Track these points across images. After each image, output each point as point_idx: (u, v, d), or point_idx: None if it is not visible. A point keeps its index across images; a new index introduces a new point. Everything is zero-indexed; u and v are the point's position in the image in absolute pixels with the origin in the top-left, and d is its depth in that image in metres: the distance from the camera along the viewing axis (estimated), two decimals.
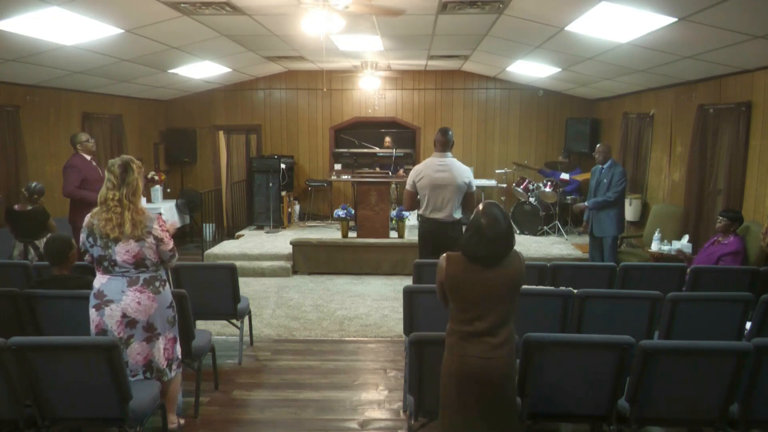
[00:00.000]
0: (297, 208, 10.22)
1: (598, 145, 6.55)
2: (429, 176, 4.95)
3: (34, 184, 5.67)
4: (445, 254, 2.64)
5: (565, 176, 9.29)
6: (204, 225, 9.01)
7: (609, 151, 6.46)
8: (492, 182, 9.84)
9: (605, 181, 6.27)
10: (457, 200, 4.96)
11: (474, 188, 5.04)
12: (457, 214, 5.00)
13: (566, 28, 5.42)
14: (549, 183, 8.98)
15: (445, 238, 4.91)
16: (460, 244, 2.60)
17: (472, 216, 2.61)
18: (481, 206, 2.60)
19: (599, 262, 6.23)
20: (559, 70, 7.79)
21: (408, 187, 5.10)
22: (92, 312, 3.11)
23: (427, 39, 7.04)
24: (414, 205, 5.17)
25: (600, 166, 6.44)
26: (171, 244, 3.21)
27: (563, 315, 3.71)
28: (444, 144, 5.01)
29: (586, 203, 6.32)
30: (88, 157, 6.08)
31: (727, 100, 5.96)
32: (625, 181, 6.41)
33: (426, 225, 5.07)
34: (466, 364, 2.56)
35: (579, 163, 9.87)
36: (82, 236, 3.13)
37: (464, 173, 4.96)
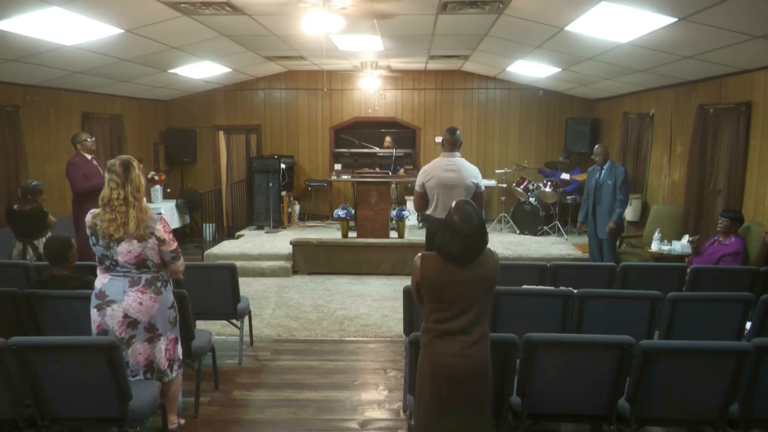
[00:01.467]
0: (297, 208, 10.23)
1: (596, 147, 6.55)
2: (438, 177, 4.87)
3: (27, 183, 5.67)
4: (419, 254, 2.65)
5: (565, 176, 9.29)
6: (204, 225, 9.01)
7: (607, 151, 6.49)
8: (492, 182, 9.84)
9: (609, 182, 6.25)
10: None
11: (483, 188, 4.99)
12: None
13: (566, 28, 5.42)
14: (549, 183, 8.99)
15: None
16: (435, 243, 2.60)
17: (445, 215, 2.61)
18: (453, 204, 2.60)
19: (599, 262, 6.23)
20: (559, 70, 7.79)
21: (417, 188, 5.01)
22: (93, 312, 3.11)
23: (427, 39, 7.04)
24: (424, 205, 5.08)
25: (598, 167, 6.43)
26: (174, 245, 3.18)
27: (563, 315, 3.71)
28: (452, 143, 4.95)
29: (612, 221, 6.27)
30: (89, 157, 6.09)
31: (727, 100, 5.96)
32: (629, 180, 6.46)
33: (435, 225, 4.98)
34: (441, 363, 2.57)
35: (579, 163, 9.87)
36: (87, 232, 3.12)
37: (472, 173, 4.92)
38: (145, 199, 3.19)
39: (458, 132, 5.01)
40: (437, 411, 2.60)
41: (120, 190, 3.03)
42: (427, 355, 2.62)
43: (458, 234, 2.50)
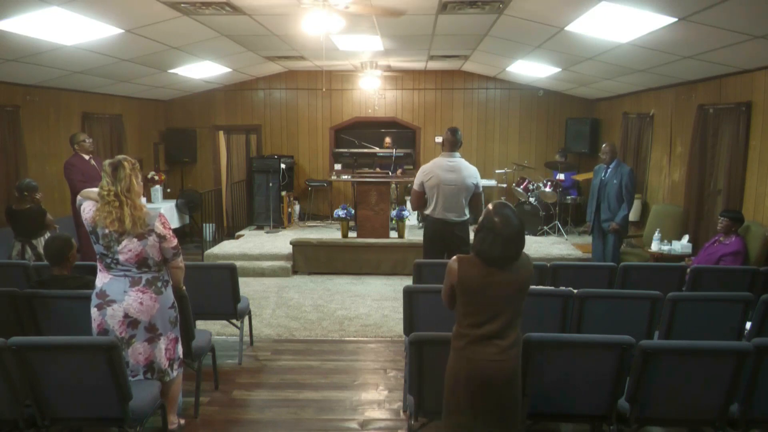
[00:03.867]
0: (297, 208, 10.23)
1: (603, 145, 6.49)
2: (438, 176, 4.89)
3: (21, 181, 5.67)
4: (456, 256, 2.60)
5: (560, 176, 9.27)
6: (204, 225, 9.01)
7: (615, 150, 6.43)
8: (492, 182, 9.85)
9: (614, 181, 6.22)
10: (465, 200, 4.93)
11: (481, 189, 5.03)
12: (465, 215, 4.99)
13: (566, 28, 5.42)
14: (549, 183, 8.99)
15: (453, 237, 4.90)
16: (473, 246, 2.56)
17: (482, 217, 2.56)
18: (491, 206, 2.56)
19: (600, 262, 6.22)
20: (559, 70, 7.79)
21: (416, 187, 5.04)
22: (94, 311, 3.11)
23: (427, 39, 7.04)
24: (421, 204, 5.11)
25: (605, 165, 6.40)
26: (174, 241, 3.19)
27: (563, 315, 3.71)
28: (453, 143, 4.96)
29: (616, 221, 6.23)
30: (87, 157, 6.11)
31: (727, 100, 5.96)
32: (635, 179, 6.42)
33: (434, 225, 5.02)
34: (477, 368, 2.54)
35: (579, 163, 9.87)
36: (88, 229, 3.12)
37: (472, 174, 4.94)
38: (144, 199, 3.18)
39: (459, 132, 5.01)
40: (470, 414, 2.57)
41: (111, 188, 3.04)
42: (460, 359, 2.58)
43: (500, 236, 2.46)
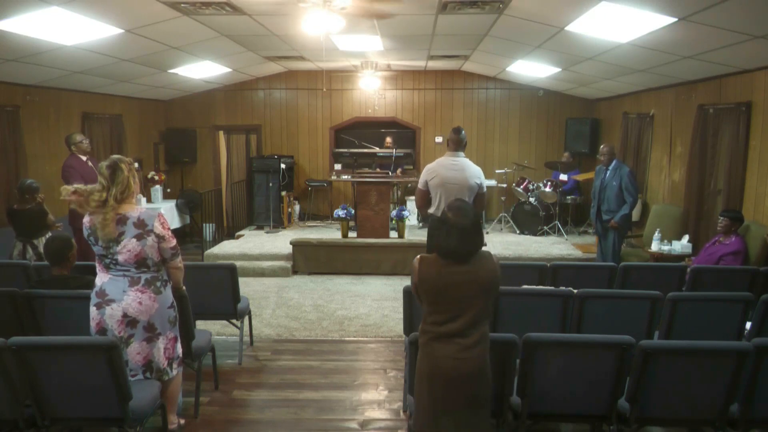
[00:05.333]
0: (297, 208, 10.23)
1: (602, 147, 6.46)
2: (441, 176, 4.87)
3: (23, 182, 5.67)
4: (419, 256, 2.64)
5: (563, 177, 9.28)
6: (204, 225, 9.01)
7: (613, 152, 6.41)
8: (492, 182, 9.83)
9: (614, 183, 6.18)
10: (469, 200, 4.91)
11: (485, 189, 5.01)
12: None
13: (566, 28, 5.42)
14: (549, 183, 8.99)
15: None
16: (433, 244, 2.60)
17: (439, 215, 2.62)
18: (446, 203, 2.62)
19: (600, 263, 6.22)
20: (559, 70, 7.79)
21: (420, 186, 5.02)
22: (93, 310, 3.11)
23: (427, 39, 7.04)
24: (426, 203, 5.11)
25: (604, 167, 6.39)
26: (173, 242, 3.19)
27: (563, 315, 3.71)
28: (457, 143, 4.94)
29: (615, 219, 6.23)
30: (84, 158, 6.10)
31: (727, 100, 5.96)
32: (635, 180, 6.40)
33: (434, 224, 5.03)
34: (438, 365, 2.56)
35: (579, 163, 9.87)
36: (85, 233, 3.12)
37: (476, 173, 4.93)
38: (144, 199, 3.18)
39: (463, 132, 4.98)
40: (433, 412, 2.60)
41: (104, 192, 3.03)
42: (424, 356, 2.62)
43: (454, 228, 2.50)
